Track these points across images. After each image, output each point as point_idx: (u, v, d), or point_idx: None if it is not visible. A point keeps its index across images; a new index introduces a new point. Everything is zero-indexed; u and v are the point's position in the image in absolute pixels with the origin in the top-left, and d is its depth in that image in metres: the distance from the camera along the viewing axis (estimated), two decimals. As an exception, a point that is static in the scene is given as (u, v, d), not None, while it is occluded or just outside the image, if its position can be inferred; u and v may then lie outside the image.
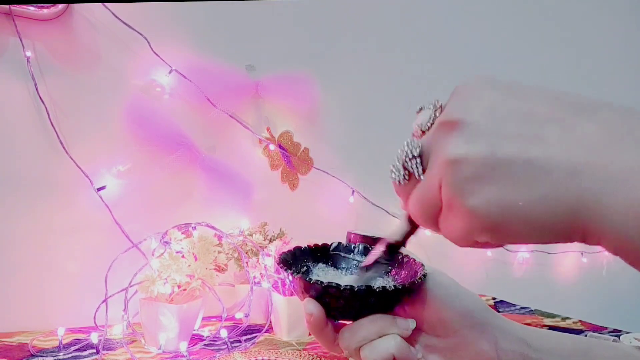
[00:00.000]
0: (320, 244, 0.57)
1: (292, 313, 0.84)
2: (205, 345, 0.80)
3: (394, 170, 0.29)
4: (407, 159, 0.29)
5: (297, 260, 0.50)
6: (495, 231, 0.25)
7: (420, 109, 0.30)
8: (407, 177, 0.29)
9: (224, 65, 1.02)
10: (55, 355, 0.73)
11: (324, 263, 0.51)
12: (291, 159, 1.11)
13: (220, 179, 1.01)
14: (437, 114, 0.29)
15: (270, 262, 0.87)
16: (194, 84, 0.97)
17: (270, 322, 0.88)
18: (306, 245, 0.52)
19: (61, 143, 0.87)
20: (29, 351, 0.74)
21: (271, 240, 0.94)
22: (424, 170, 0.28)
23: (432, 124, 0.29)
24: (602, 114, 0.23)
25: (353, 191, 1.16)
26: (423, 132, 0.29)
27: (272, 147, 1.08)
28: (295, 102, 1.11)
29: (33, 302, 0.87)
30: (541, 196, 0.23)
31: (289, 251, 0.51)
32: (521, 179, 0.24)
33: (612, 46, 1.57)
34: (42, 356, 0.73)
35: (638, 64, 1.61)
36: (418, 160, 0.28)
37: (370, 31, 1.21)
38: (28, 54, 0.85)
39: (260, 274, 0.88)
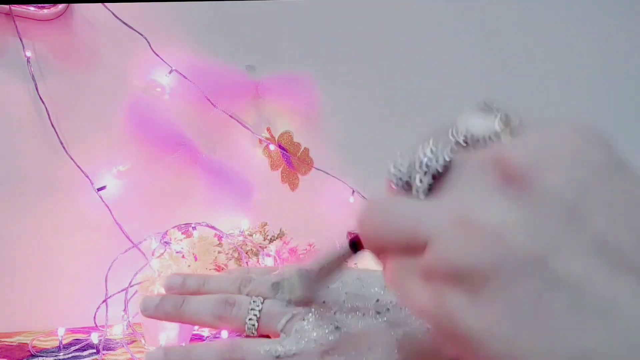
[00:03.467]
0: None
1: (292, 313, 0.84)
2: (205, 345, 0.80)
3: (395, 170, 0.20)
4: (419, 167, 0.19)
5: None
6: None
7: (481, 109, 0.21)
8: (405, 186, 0.20)
9: (224, 65, 1.02)
10: (55, 355, 0.73)
11: None
12: (291, 159, 1.11)
13: (220, 179, 1.01)
14: (503, 132, 0.19)
15: (270, 262, 0.87)
16: (194, 84, 0.97)
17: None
18: None
19: (61, 143, 0.87)
20: (29, 351, 0.74)
21: (271, 240, 0.94)
22: (428, 190, 0.19)
23: (485, 141, 0.19)
24: None
25: (353, 191, 1.16)
26: (465, 143, 0.19)
27: (272, 147, 1.08)
28: (295, 103, 1.11)
29: (33, 302, 0.87)
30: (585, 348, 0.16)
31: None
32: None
33: (614, 47, 1.57)
34: (42, 356, 0.73)
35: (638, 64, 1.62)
36: (429, 177, 0.19)
37: (370, 31, 1.21)
38: (28, 54, 0.85)
39: (260, 274, 0.88)
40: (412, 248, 0.18)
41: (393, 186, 0.20)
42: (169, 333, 0.76)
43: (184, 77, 0.97)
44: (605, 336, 0.15)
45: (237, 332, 0.31)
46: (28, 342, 0.78)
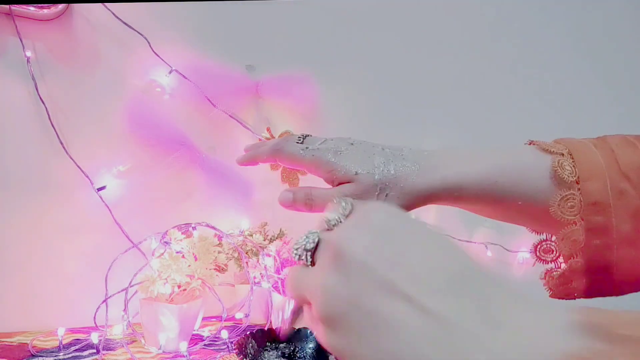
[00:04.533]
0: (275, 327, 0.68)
1: (292, 313, 0.84)
2: (205, 345, 0.80)
3: (293, 250, 0.31)
4: (302, 250, 0.30)
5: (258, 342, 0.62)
6: None
7: (336, 203, 0.31)
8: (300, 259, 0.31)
9: (224, 65, 1.02)
10: (55, 355, 0.73)
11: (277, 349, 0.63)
12: (291, 159, 1.11)
13: (220, 179, 1.01)
14: (343, 218, 0.30)
15: (270, 262, 0.87)
16: (194, 84, 0.97)
17: (271, 322, 0.88)
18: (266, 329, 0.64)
19: (61, 143, 0.87)
20: (29, 351, 0.74)
21: (271, 240, 0.94)
22: (312, 263, 0.30)
23: (334, 225, 0.29)
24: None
25: (353, 191, 1.16)
26: (328, 226, 0.30)
27: (272, 147, 1.08)
28: (295, 102, 1.11)
29: (33, 302, 0.87)
30: (388, 351, 0.24)
31: (247, 336, 0.62)
32: (371, 333, 0.25)
33: (612, 48, 1.57)
34: (42, 356, 0.73)
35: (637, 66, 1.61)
36: (309, 253, 0.30)
37: (370, 31, 1.21)
38: (28, 54, 0.85)
39: (260, 274, 0.88)
40: (308, 301, 0.29)
41: (295, 260, 0.31)
42: (169, 333, 0.76)
43: (184, 77, 0.97)
44: (390, 342, 0.23)
45: None
46: (28, 342, 0.78)
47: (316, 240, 0.30)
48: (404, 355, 0.23)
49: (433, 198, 0.41)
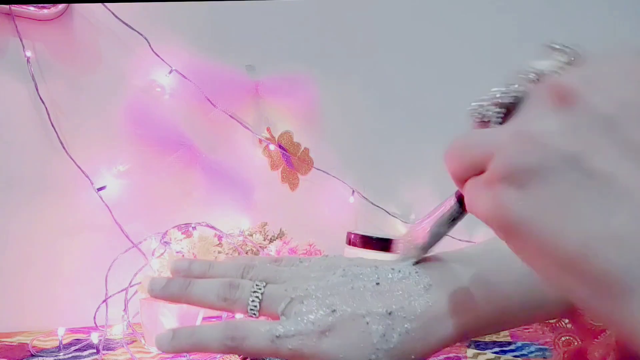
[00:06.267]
0: None
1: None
2: (205, 345, 0.80)
3: (475, 105, 0.24)
4: (491, 106, 0.23)
5: None
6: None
7: (548, 48, 0.23)
8: (484, 119, 0.24)
9: (224, 65, 1.02)
10: (55, 355, 0.73)
11: None
12: (291, 159, 1.11)
13: (220, 179, 1.01)
14: (565, 64, 0.22)
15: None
16: (194, 84, 0.97)
17: (270, 322, 0.88)
18: None
19: (61, 143, 0.87)
20: (29, 351, 0.74)
21: (271, 240, 0.94)
22: (501, 119, 0.23)
23: (551, 74, 0.22)
24: None
25: (353, 191, 1.16)
26: (535, 79, 0.23)
27: (272, 147, 1.08)
28: (295, 102, 1.11)
29: (33, 302, 0.87)
30: (610, 226, 0.19)
31: None
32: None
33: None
34: (42, 356, 0.73)
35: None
36: (501, 111, 0.23)
37: (371, 31, 1.21)
38: (28, 54, 0.85)
39: (260, 274, 0.88)
40: (480, 166, 0.22)
41: (474, 120, 0.24)
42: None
43: (184, 77, 0.97)
44: (626, 217, 0.18)
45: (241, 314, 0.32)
46: (28, 342, 0.78)
47: (517, 94, 0.23)
48: (633, 237, 0.18)
49: (438, 350, 0.34)
